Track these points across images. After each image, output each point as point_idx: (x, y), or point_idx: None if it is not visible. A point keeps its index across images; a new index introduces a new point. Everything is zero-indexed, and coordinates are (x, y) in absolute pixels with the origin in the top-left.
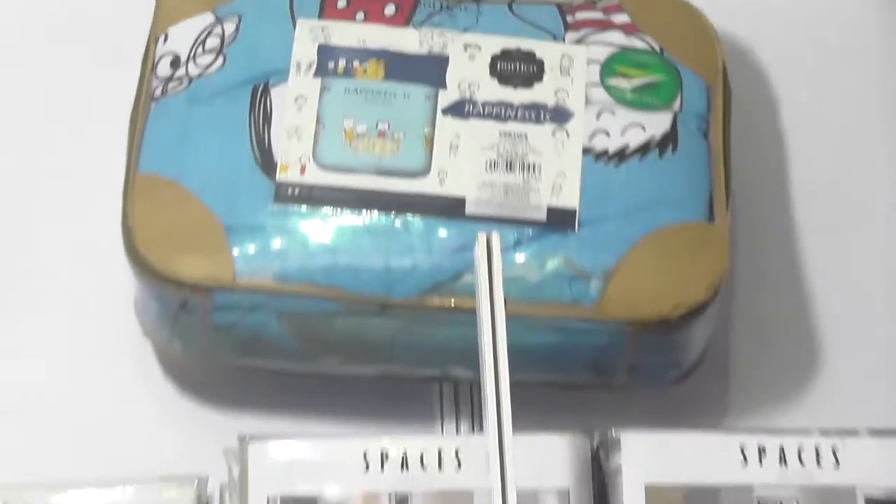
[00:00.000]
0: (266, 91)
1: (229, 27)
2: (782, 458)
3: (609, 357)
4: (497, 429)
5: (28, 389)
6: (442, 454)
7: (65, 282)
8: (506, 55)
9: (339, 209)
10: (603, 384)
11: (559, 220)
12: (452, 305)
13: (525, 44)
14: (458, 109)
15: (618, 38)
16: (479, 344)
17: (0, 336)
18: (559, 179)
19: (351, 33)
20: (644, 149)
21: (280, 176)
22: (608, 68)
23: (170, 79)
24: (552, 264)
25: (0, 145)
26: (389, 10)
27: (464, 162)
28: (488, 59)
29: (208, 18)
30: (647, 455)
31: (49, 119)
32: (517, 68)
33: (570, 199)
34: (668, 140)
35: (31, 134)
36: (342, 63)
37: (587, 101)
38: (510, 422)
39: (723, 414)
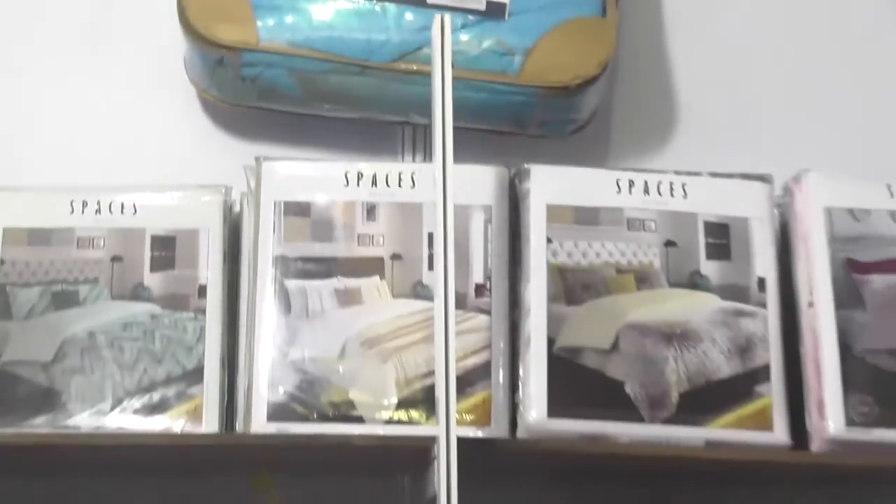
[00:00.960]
0: None
1: None
2: (646, 190)
3: (525, 112)
4: (442, 159)
5: (103, 115)
6: (402, 176)
7: (137, 42)
8: None
9: None
10: (520, 132)
11: (494, 10)
12: (415, 69)
13: None
14: None
15: None
16: (432, 97)
17: (88, 76)
18: None
19: None
20: None
21: None
22: None
23: None
24: (487, 43)
25: None
26: None
27: None
28: None
29: None
30: (548, 183)
31: None
32: None
33: None
34: None
35: None
36: None
37: None
38: (451, 155)
39: (605, 157)
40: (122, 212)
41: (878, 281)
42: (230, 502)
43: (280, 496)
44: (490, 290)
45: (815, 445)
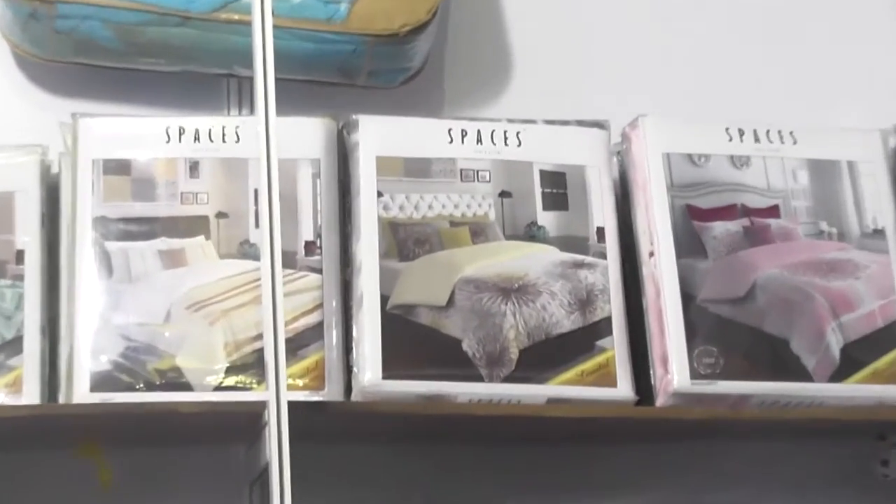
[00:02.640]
0: None
1: None
2: (479, 139)
3: (353, 62)
4: (264, 112)
5: None
6: (225, 130)
7: None
8: None
9: None
10: (349, 83)
11: None
12: (236, 18)
13: None
14: None
15: None
16: (253, 48)
17: None
18: None
19: None
20: None
21: None
22: None
23: None
24: None
25: None
26: None
27: None
28: None
29: None
30: (378, 134)
31: None
32: None
33: None
34: None
35: None
36: None
37: None
38: (274, 107)
39: (439, 106)
40: None
41: (718, 228)
42: (56, 475)
43: (109, 469)
44: (320, 247)
45: (661, 400)
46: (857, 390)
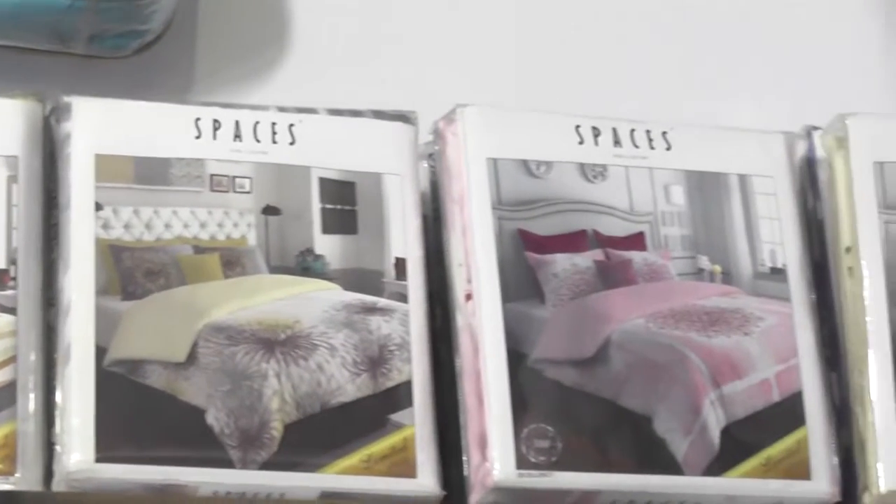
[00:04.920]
0: None
1: None
2: (237, 134)
3: (68, 22)
4: None
5: None
6: None
7: None
8: None
9: None
10: (62, 50)
11: None
12: None
13: None
14: None
15: None
16: None
17: None
18: None
19: None
20: None
21: None
22: None
23: None
24: None
25: None
26: None
27: None
28: None
29: None
30: (98, 123)
31: None
32: None
33: None
34: None
35: None
36: None
37: None
38: None
39: (186, 88)
40: None
41: (560, 262)
42: None
43: None
44: (15, 278)
45: (476, 496)
46: (742, 487)
